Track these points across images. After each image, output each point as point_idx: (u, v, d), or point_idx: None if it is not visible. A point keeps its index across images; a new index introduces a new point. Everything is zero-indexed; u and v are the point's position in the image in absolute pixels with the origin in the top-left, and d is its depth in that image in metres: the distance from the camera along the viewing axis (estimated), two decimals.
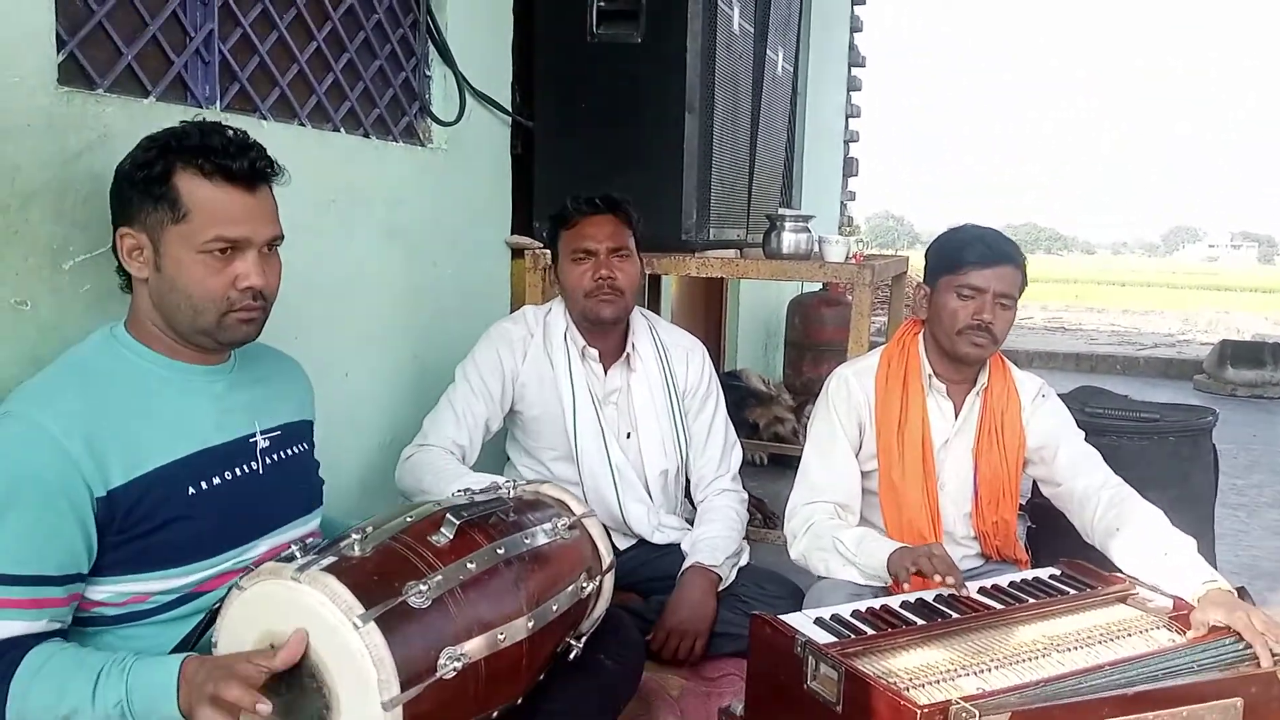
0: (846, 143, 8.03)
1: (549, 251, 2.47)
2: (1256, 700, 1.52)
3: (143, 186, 1.37)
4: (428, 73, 2.64)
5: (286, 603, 1.24)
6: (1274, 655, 1.59)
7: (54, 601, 1.29)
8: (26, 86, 1.50)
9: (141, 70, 1.79)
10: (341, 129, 2.34)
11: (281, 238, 1.47)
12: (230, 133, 1.42)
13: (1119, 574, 1.92)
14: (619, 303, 2.30)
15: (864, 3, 7.87)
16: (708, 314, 5.46)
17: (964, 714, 1.32)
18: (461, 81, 2.68)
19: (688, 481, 2.52)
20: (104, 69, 1.72)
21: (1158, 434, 2.71)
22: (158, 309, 1.42)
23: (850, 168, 8.11)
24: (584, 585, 1.55)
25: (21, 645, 1.26)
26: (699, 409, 2.49)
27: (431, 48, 2.64)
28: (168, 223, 1.37)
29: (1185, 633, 1.70)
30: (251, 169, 1.40)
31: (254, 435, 1.52)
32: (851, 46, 7.84)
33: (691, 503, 2.53)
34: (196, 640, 1.38)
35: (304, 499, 1.61)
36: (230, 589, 1.30)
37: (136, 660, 1.26)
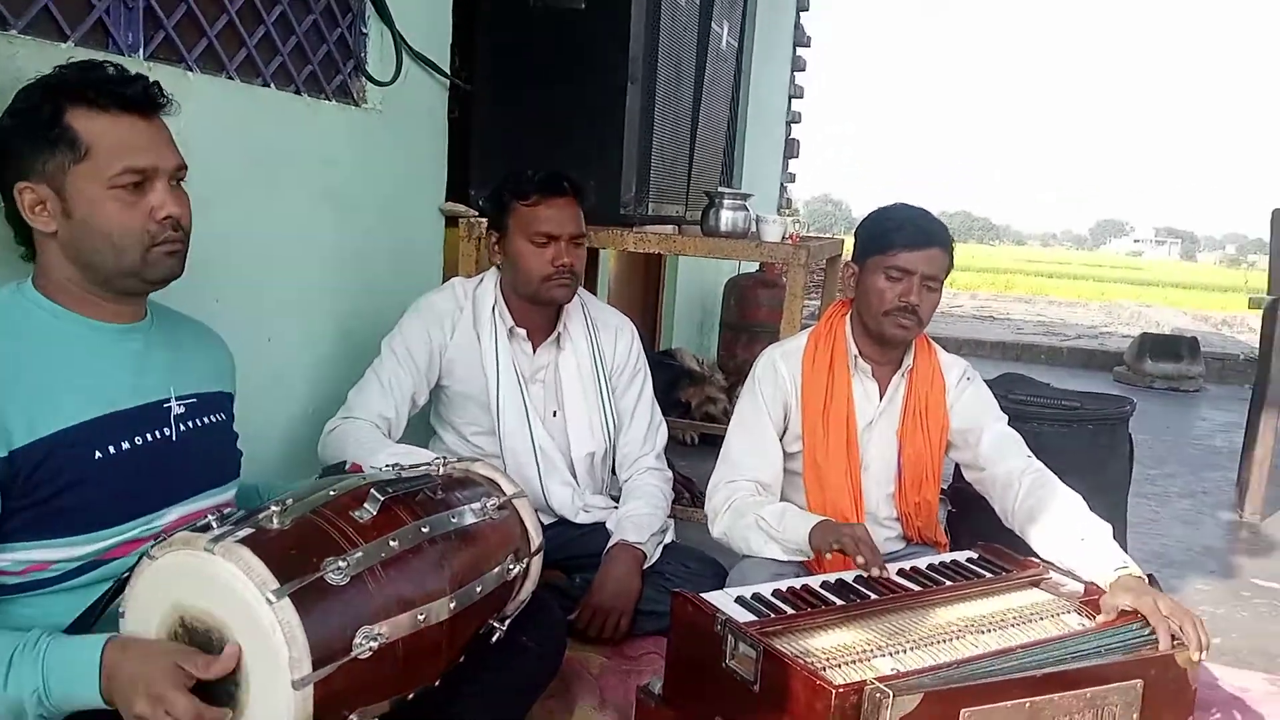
0: (789, 123, 8.05)
1: (486, 219, 2.42)
2: (1155, 681, 1.58)
3: (34, 133, 1.30)
4: (364, 30, 2.56)
5: (198, 574, 1.20)
6: (1174, 639, 1.65)
7: None
8: None
9: (59, 12, 1.70)
10: (272, 84, 2.26)
11: (185, 168, 1.42)
12: (110, 67, 1.36)
13: (1033, 559, 1.96)
14: (573, 287, 2.30)
15: None
16: (645, 292, 5.45)
17: (878, 694, 1.34)
18: (399, 41, 2.61)
19: (614, 460, 2.51)
20: (19, 9, 1.63)
21: (1077, 421, 2.77)
22: (74, 261, 1.35)
23: (791, 149, 8.13)
24: (510, 567, 1.53)
25: None
26: (625, 387, 2.48)
27: (369, 4, 2.56)
28: (69, 164, 1.31)
29: (1095, 617, 1.75)
30: (145, 94, 1.36)
31: (169, 400, 1.46)
32: (798, 25, 7.83)
33: (618, 480, 2.53)
34: (103, 610, 1.32)
35: (218, 469, 1.55)
36: (140, 557, 1.25)
37: (51, 643, 1.21)
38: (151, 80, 1.38)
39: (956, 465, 2.33)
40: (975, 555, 2.02)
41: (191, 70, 1.99)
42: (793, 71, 7.92)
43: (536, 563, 1.62)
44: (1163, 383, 7.30)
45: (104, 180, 1.32)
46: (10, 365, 1.29)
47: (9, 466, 1.27)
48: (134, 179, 1.34)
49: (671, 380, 4.44)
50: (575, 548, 2.32)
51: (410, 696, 1.37)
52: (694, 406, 4.47)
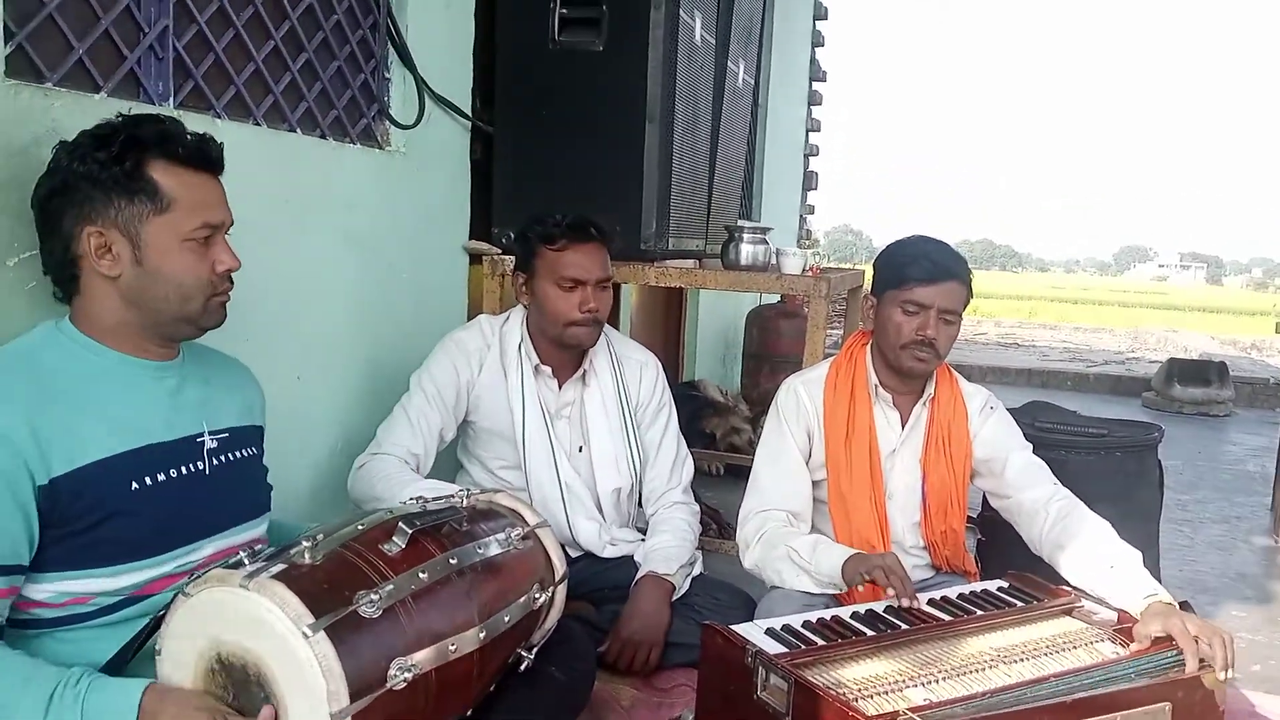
0: (806, 156, 8.10)
1: (511, 256, 2.44)
2: (1183, 704, 1.56)
3: (113, 182, 1.36)
4: (387, 75, 2.62)
5: (234, 610, 1.22)
6: (1201, 661, 1.63)
7: None
8: None
9: (93, 65, 1.76)
10: (298, 129, 2.31)
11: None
12: (173, 122, 1.43)
13: (1065, 587, 1.95)
14: (598, 331, 2.32)
15: (826, 18, 7.95)
16: (667, 324, 5.47)
17: None
18: (421, 85, 2.66)
19: (641, 494, 2.52)
20: (54, 62, 1.68)
21: (1105, 449, 2.75)
22: (132, 305, 1.40)
23: (810, 181, 8.18)
24: (536, 596, 1.54)
25: None
26: (651, 422, 2.49)
27: (391, 50, 2.61)
28: (149, 215, 1.37)
29: (1129, 645, 1.73)
30: (220, 155, 1.46)
31: (202, 435, 1.50)
32: (813, 61, 7.90)
33: (645, 513, 2.53)
34: (139, 646, 1.35)
35: (251, 503, 1.58)
36: (176, 595, 1.27)
37: (92, 684, 1.23)
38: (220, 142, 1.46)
39: (984, 493, 2.32)
40: (1006, 584, 2.00)
41: (220, 117, 2.04)
42: (809, 105, 7.98)
43: (561, 591, 1.63)
44: (1192, 408, 7.22)
45: (181, 233, 1.40)
46: (49, 398, 1.33)
47: (49, 496, 1.30)
48: (206, 233, 1.42)
49: (695, 412, 4.44)
50: (603, 580, 2.32)
51: None
52: (719, 437, 4.47)
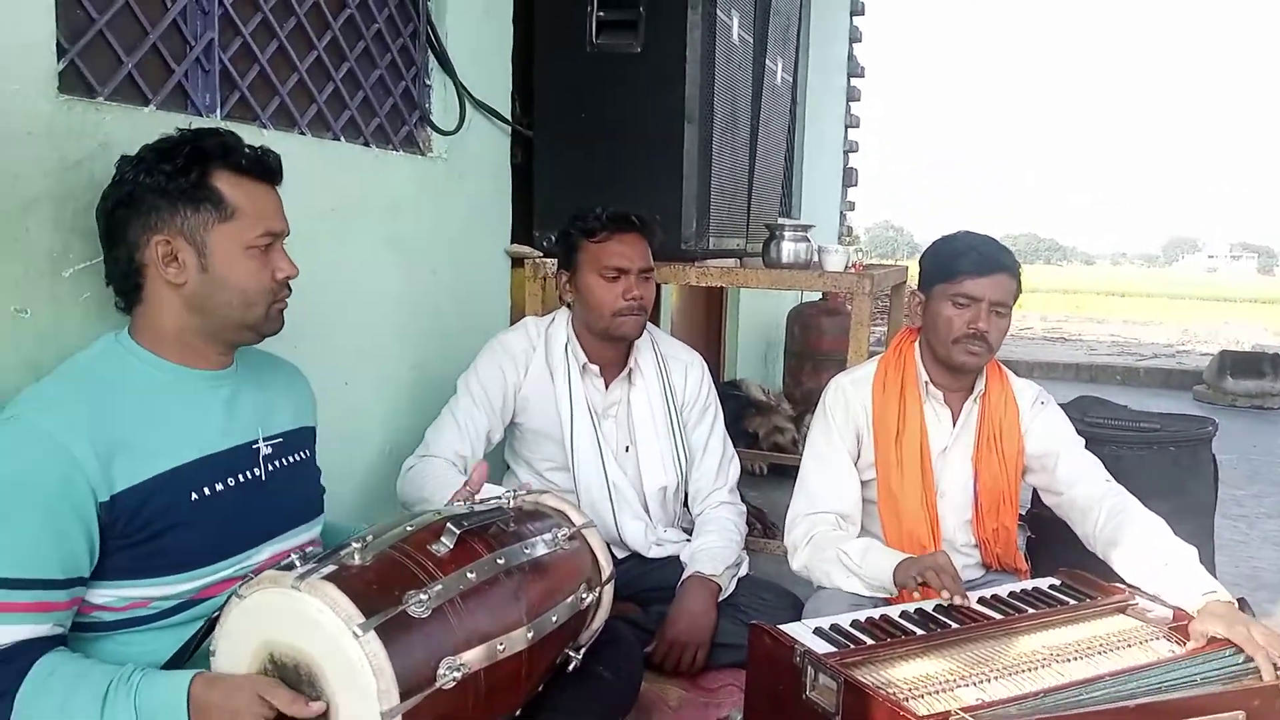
0: (846, 153, 8.04)
1: (553, 260, 2.46)
2: (1259, 713, 1.52)
3: (179, 192, 1.40)
4: (428, 82, 2.65)
5: (286, 611, 1.23)
6: (1277, 669, 1.59)
7: (57, 605, 1.29)
8: (27, 94, 1.50)
9: (142, 79, 1.79)
10: (341, 138, 2.35)
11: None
12: (232, 135, 1.48)
13: (1118, 584, 1.92)
14: (643, 320, 2.32)
15: (863, 14, 7.89)
16: (708, 323, 5.46)
17: None
18: (461, 91, 2.69)
19: (687, 494, 2.51)
20: (104, 77, 1.72)
21: (1157, 444, 2.70)
22: (196, 312, 1.44)
23: (849, 177, 8.12)
24: (583, 596, 1.54)
25: (27, 650, 1.26)
26: (697, 422, 2.49)
27: (431, 57, 2.64)
28: (214, 223, 1.42)
29: (1185, 644, 1.69)
30: (279, 166, 1.51)
31: (257, 442, 1.53)
32: (850, 57, 7.85)
33: (690, 513, 2.53)
34: (195, 648, 1.38)
35: (305, 506, 1.61)
36: (229, 597, 1.29)
37: (143, 678, 1.26)
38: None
39: (1035, 490, 2.28)
40: (1057, 581, 1.97)
41: (266, 127, 2.07)
42: (848, 101, 7.93)
43: (608, 591, 1.63)
44: (1245, 400, 7.07)
45: (245, 241, 1.44)
46: (111, 413, 1.36)
47: (112, 510, 1.33)
48: (268, 241, 1.47)
49: (738, 411, 4.43)
50: (649, 581, 2.33)
51: None
52: (762, 436, 4.45)
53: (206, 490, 1.43)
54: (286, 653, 1.23)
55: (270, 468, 1.54)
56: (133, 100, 1.77)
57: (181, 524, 1.38)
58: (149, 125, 1.66)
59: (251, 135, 1.91)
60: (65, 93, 1.58)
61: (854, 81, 7.94)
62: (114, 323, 1.50)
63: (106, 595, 1.36)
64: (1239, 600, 1.78)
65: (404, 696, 1.19)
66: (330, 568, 1.26)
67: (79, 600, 1.34)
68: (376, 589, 1.25)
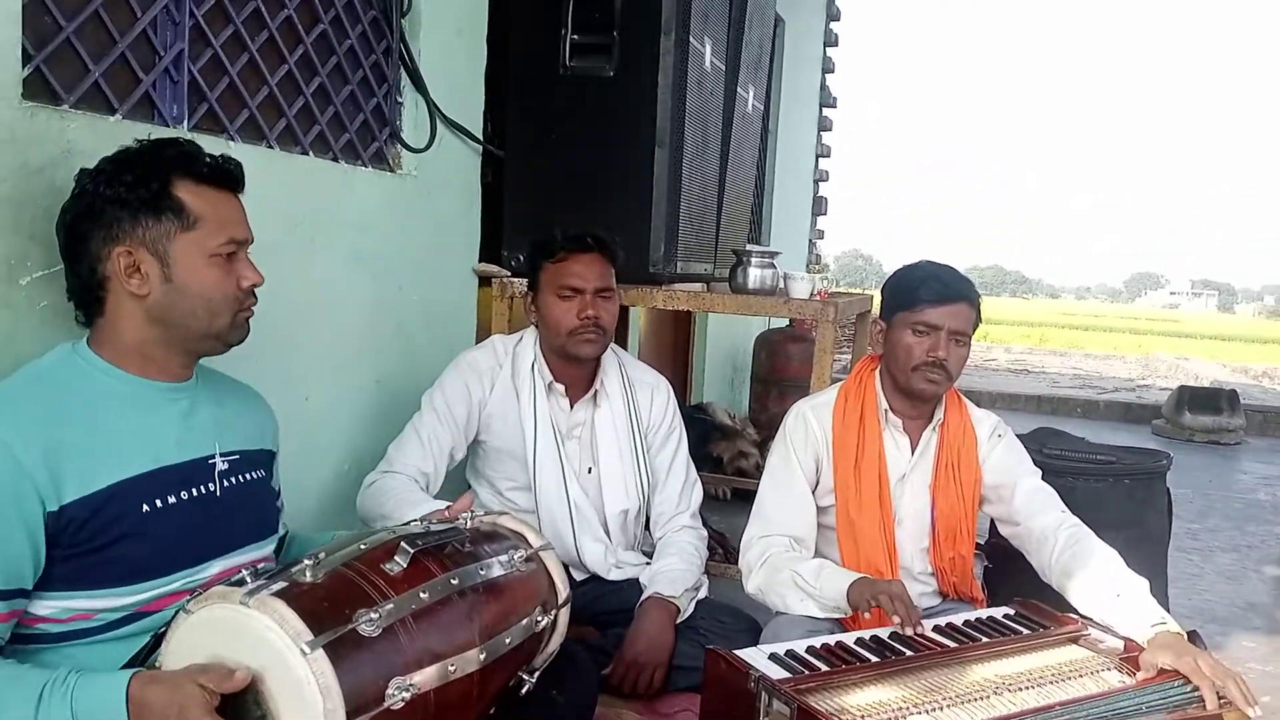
0: (816, 181, 8.13)
1: (522, 280, 2.46)
2: None
3: (140, 202, 1.39)
4: (399, 99, 2.65)
5: (234, 627, 1.22)
6: (1220, 699, 1.61)
7: None
8: None
9: (109, 88, 1.78)
10: (310, 152, 2.34)
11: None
12: (192, 144, 1.47)
13: (1072, 615, 1.93)
14: (600, 341, 2.32)
15: (836, 45, 8.01)
16: (675, 347, 5.48)
17: None
18: (433, 109, 2.69)
19: (648, 517, 2.51)
20: (70, 85, 1.71)
21: (1113, 476, 2.74)
22: (158, 322, 1.42)
23: (819, 206, 8.21)
24: (539, 619, 1.53)
25: None
26: (661, 445, 2.49)
27: (404, 74, 2.64)
28: (176, 232, 1.41)
29: (1135, 674, 1.71)
30: (240, 174, 1.50)
31: (213, 457, 1.51)
32: (823, 87, 7.95)
33: (652, 536, 2.53)
34: (141, 662, 1.35)
35: (259, 524, 1.59)
36: (177, 611, 1.28)
37: (79, 680, 1.23)
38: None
39: (992, 520, 2.31)
40: (1012, 611, 1.99)
41: (234, 140, 2.06)
42: (819, 131, 8.02)
43: (564, 615, 1.62)
44: (1203, 436, 7.19)
45: (208, 249, 1.43)
46: (64, 421, 1.34)
47: (58, 520, 1.30)
48: (231, 249, 1.46)
49: (703, 435, 4.44)
50: (608, 603, 2.32)
51: None
52: (726, 461, 4.46)
53: (159, 502, 1.40)
54: (235, 669, 1.21)
55: (225, 484, 1.52)
56: (99, 109, 1.76)
57: (132, 535, 1.36)
58: (115, 134, 1.65)
59: (219, 147, 1.90)
60: (29, 99, 1.57)
61: (826, 111, 8.03)
62: (72, 331, 1.48)
63: (51, 607, 1.34)
64: (1190, 633, 1.80)
65: (351, 716, 1.18)
66: (281, 584, 1.24)
67: (19, 613, 1.31)
68: (327, 606, 1.23)
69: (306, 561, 1.29)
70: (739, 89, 3.50)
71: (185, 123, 1.95)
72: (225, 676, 1.18)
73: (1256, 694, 1.64)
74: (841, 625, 1.99)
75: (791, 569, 2.04)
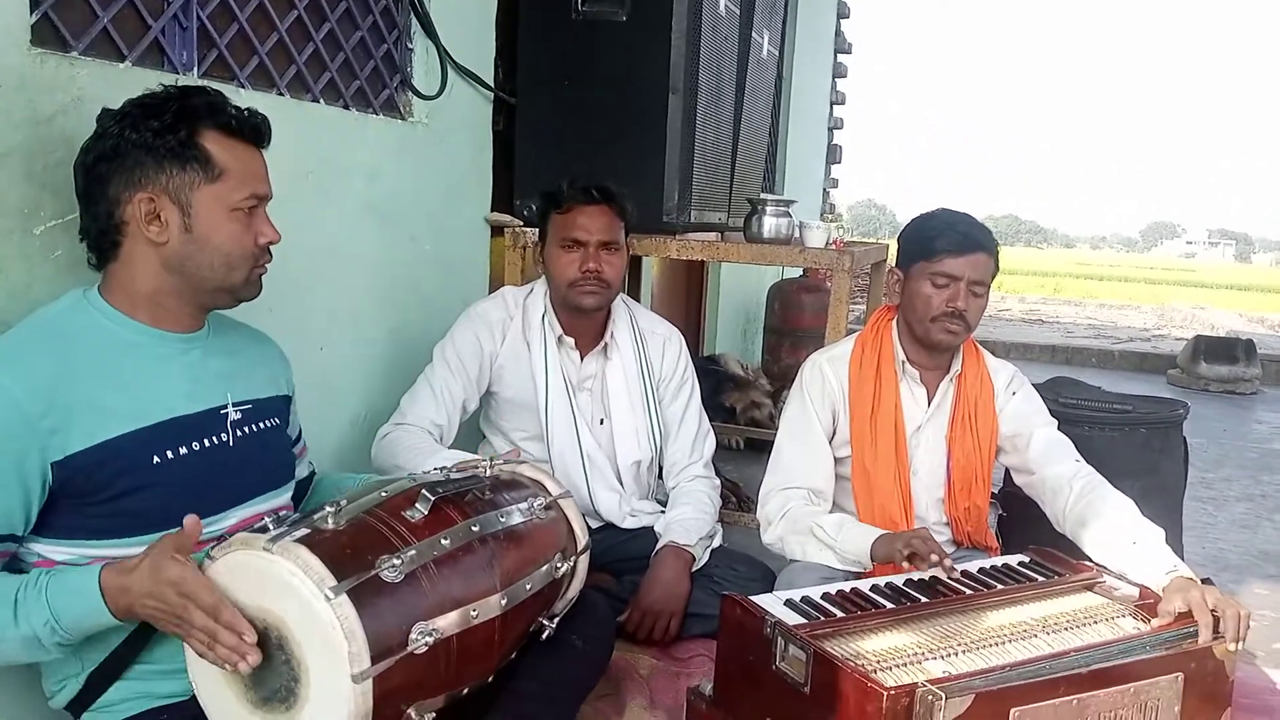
0: (831, 129, 8.03)
1: (534, 230, 2.45)
2: (1195, 675, 1.57)
3: (165, 150, 1.37)
4: (409, 45, 2.61)
5: (258, 573, 1.23)
6: (1215, 634, 1.63)
7: None
8: None
9: (118, 34, 1.76)
10: (321, 100, 2.32)
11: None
12: (219, 95, 1.45)
13: (1087, 562, 1.94)
14: (603, 294, 2.30)
15: None
16: (688, 298, 5.46)
17: (930, 696, 1.33)
18: (444, 55, 2.66)
19: (661, 467, 2.52)
20: (79, 31, 1.68)
21: (1129, 425, 2.73)
22: (174, 272, 1.41)
23: (834, 154, 8.11)
24: (558, 566, 1.55)
25: None
26: (673, 397, 2.49)
27: (414, 20, 2.60)
28: (201, 183, 1.39)
29: (1150, 621, 1.72)
30: (267, 128, 1.48)
31: (225, 407, 1.50)
32: (838, 33, 7.82)
33: (665, 486, 2.54)
34: None
35: (275, 473, 1.60)
36: (202, 559, 1.29)
37: (52, 577, 1.27)
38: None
39: (1007, 469, 2.31)
40: (1027, 559, 2.00)
41: (243, 87, 2.04)
42: (834, 78, 7.90)
43: (583, 562, 1.64)
44: (1218, 385, 7.15)
45: (230, 203, 1.41)
46: (71, 371, 1.34)
47: (63, 470, 1.31)
48: (253, 204, 1.45)
49: (716, 386, 4.44)
50: (623, 551, 2.34)
51: (465, 693, 1.39)
52: (739, 412, 4.46)
53: (169, 454, 1.40)
54: (258, 615, 1.23)
55: (238, 433, 1.52)
56: (108, 56, 1.74)
57: (143, 487, 1.37)
58: (124, 81, 1.64)
59: (229, 94, 1.88)
60: (38, 46, 1.55)
61: (841, 57, 7.91)
62: (86, 281, 1.47)
63: (68, 554, 1.35)
64: (1204, 580, 1.81)
65: (375, 660, 1.20)
66: (303, 531, 1.26)
67: (8, 555, 1.33)
68: (349, 553, 1.25)
69: (328, 509, 1.30)
70: (753, 34, 3.44)
71: (195, 70, 1.93)
72: (192, 524, 1.22)
73: (1268, 640, 1.65)
74: (857, 575, 2.00)
75: (812, 521, 2.05)
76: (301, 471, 1.74)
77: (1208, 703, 1.60)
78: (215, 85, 1.85)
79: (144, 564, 1.22)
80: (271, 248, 1.51)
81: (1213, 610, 1.65)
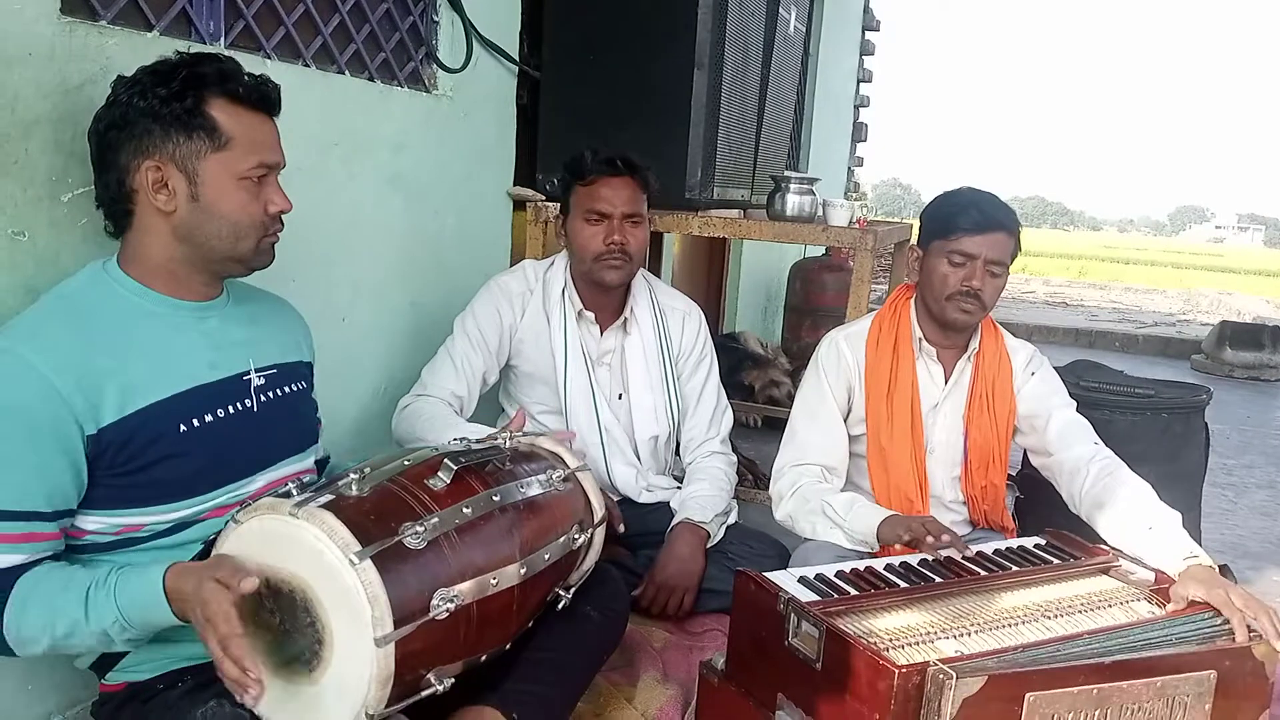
0: (857, 107, 7.96)
1: (556, 202, 2.45)
2: (1230, 673, 1.55)
3: (173, 118, 1.37)
4: (435, 18, 2.61)
5: (283, 538, 1.25)
6: (1250, 631, 1.62)
7: (45, 535, 1.31)
8: (28, 15, 1.48)
9: (146, 3, 1.77)
10: (346, 71, 2.32)
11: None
12: (231, 62, 1.44)
13: (1102, 546, 1.94)
14: (626, 268, 2.30)
15: None
16: (709, 275, 5.45)
17: (941, 675, 1.34)
18: (469, 29, 2.65)
19: (679, 442, 2.53)
20: (108, 0, 1.70)
21: (1151, 410, 2.71)
22: (184, 241, 1.42)
23: (859, 133, 8.05)
24: (575, 537, 1.56)
25: (13, 575, 1.28)
26: (691, 372, 2.50)
27: None
28: (207, 151, 1.39)
29: (1165, 606, 1.72)
30: (277, 96, 1.47)
31: (248, 373, 1.52)
32: (866, 9, 7.74)
33: (682, 461, 2.55)
34: None
35: (299, 437, 1.62)
36: (227, 522, 1.31)
37: (119, 578, 1.28)
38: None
39: (1024, 451, 2.30)
40: (1043, 541, 1.99)
41: (270, 58, 2.05)
42: (861, 55, 7.83)
43: (599, 534, 1.66)
44: (1243, 372, 7.08)
45: (237, 171, 1.41)
46: (97, 345, 1.35)
47: (97, 444, 1.33)
48: (261, 173, 1.44)
49: (735, 363, 4.44)
50: (639, 525, 2.35)
51: (483, 659, 1.41)
52: (757, 389, 4.47)
53: (195, 421, 1.42)
54: (282, 578, 1.25)
55: (262, 399, 1.53)
56: (136, 25, 1.75)
57: (172, 455, 1.38)
58: (152, 51, 1.64)
59: (255, 65, 1.89)
60: (67, 14, 1.56)
61: (869, 35, 7.82)
62: (112, 248, 1.49)
63: (98, 523, 1.38)
64: (1221, 567, 1.80)
65: (398, 624, 1.22)
66: (328, 497, 1.28)
67: (66, 530, 1.35)
68: (373, 519, 1.27)
69: (352, 475, 1.32)
70: (780, 10, 3.42)
71: (222, 40, 1.94)
72: (237, 572, 1.21)
73: None
74: (871, 553, 2.01)
75: (823, 499, 2.05)
76: (317, 452, 1.75)
77: (1245, 703, 1.59)
78: (241, 55, 1.87)
79: (195, 576, 1.24)
80: (293, 217, 1.51)
81: (1241, 610, 1.63)
